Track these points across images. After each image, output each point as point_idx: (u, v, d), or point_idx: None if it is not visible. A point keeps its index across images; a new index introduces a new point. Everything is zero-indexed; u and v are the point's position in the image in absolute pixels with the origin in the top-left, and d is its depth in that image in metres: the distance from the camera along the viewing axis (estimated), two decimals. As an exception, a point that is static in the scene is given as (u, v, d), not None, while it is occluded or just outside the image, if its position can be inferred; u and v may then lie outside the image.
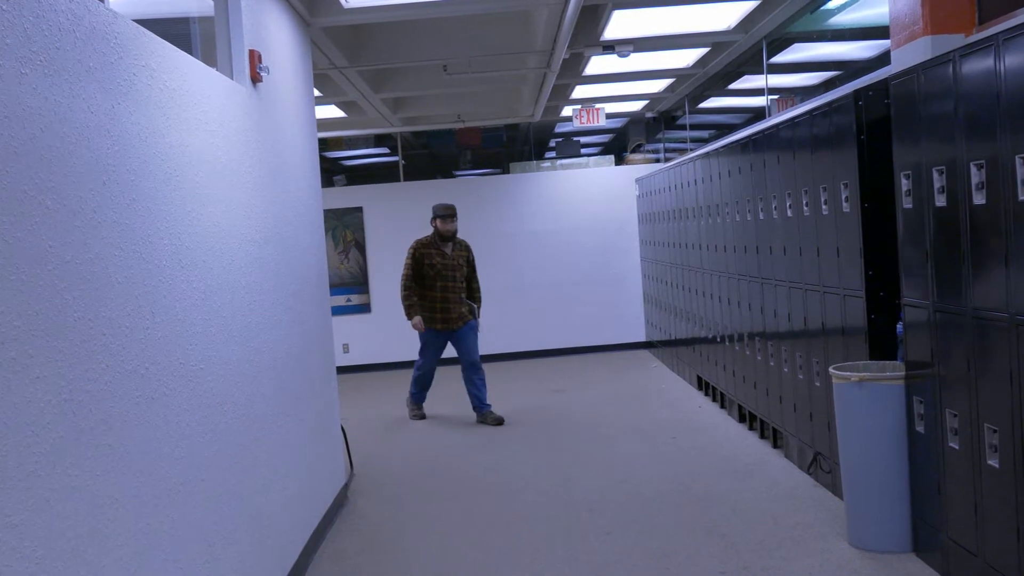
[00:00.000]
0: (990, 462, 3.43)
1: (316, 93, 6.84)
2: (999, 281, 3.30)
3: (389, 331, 11.20)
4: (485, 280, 12.59)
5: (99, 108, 2.53)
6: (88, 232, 2.41)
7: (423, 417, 8.34)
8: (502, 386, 9.55)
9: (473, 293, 8.16)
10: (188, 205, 3.20)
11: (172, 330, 2.97)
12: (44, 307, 2.16)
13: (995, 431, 3.39)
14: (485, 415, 7.90)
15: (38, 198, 2.16)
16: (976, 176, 3.41)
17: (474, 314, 8.07)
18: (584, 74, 8.86)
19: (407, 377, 10.75)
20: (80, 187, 2.38)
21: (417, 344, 8.27)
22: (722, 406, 7.67)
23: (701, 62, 8.77)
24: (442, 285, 7.93)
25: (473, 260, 8.19)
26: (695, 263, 8.32)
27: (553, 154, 13.28)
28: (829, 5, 7.00)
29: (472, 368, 8.03)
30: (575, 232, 11.58)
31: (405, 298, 7.98)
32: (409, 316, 7.98)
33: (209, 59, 3.92)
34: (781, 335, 5.90)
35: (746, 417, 6.93)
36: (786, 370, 5.82)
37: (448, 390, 9.57)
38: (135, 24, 2.85)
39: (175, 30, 3.79)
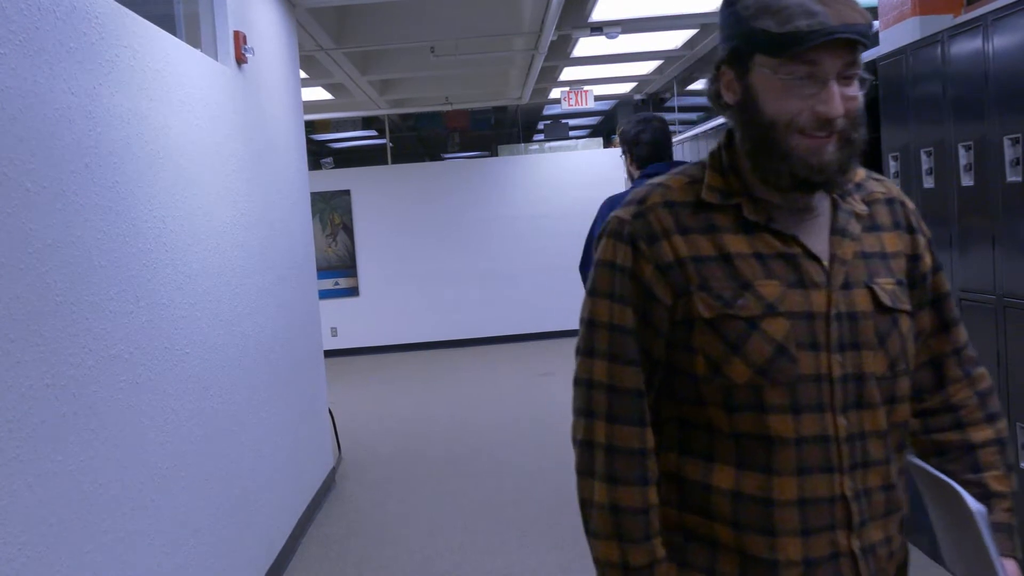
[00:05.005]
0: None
1: (302, 75, 6.79)
2: (986, 262, 3.30)
3: (377, 314, 11.18)
4: (472, 267, 12.61)
5: (80, 89, 2.49)
6: (70, 215, 2.38)
7: None
8: (489, 368, 9.56)
9: (971, 419, 1.46)
10: (172, 188, 3.17)
11: (156, 314, 2.95)
12: (25, 291, 2.13)
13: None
14: None
15: (18, 180, 2.13)
16: (964, 157, 3.41)
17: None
18: (572, 56, 8.82)
19: (396, 360, 10.77)
20: (61, 169, 2.35)
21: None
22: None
23: (689, 43, 8.74)
24: (812, 423, 1.31)
25: (935, 265, 1.47)
26: (683, 246, 8.31)
27: (541, 136, 13.26)
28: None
29: None
30: (564, 216, 11.55)
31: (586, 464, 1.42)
32: (603, 556, 1.36)
33: (193, 40, 3.87)
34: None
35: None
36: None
37: (437, 370, 9.58)
38: (117, 4, 2.81)
39: (158, 11, 3.74)
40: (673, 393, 1.40)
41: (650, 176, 3.33)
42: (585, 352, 1.42)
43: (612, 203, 3.61)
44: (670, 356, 1.37)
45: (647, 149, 3.43)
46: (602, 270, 1.40)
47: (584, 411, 1.41)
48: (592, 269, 1.41)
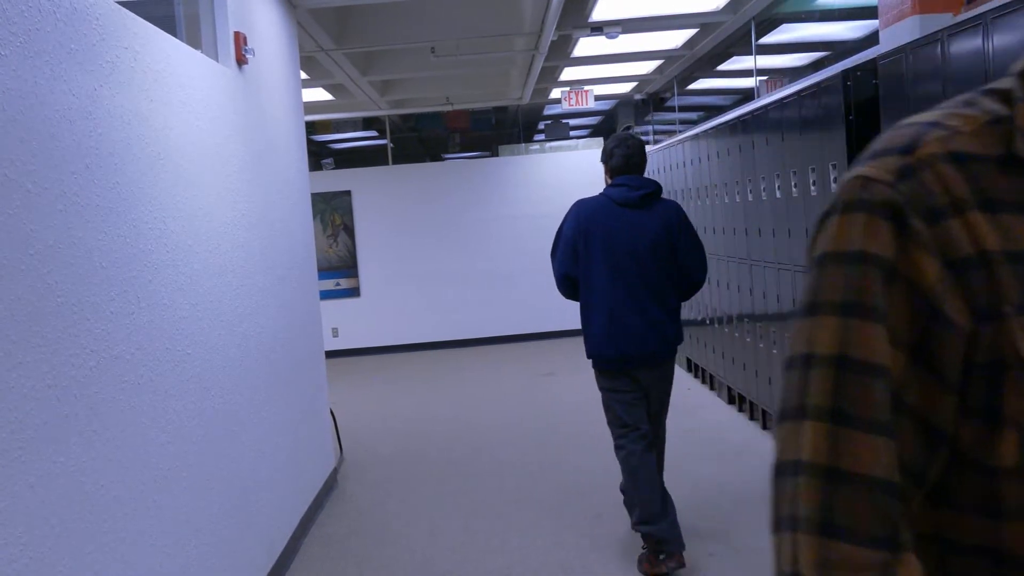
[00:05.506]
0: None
1: (303, 76, 6.80)
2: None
3: (378, 315, 11.19)
4: (473, 267, 12.61)
5: (81, 91, 2.49)
6: (71, 216, 2.39)
7: None
8: (490, 368, 9.56)
9: None
10: (173, 189, 3.17)
11: (158, 315, 2.95)
12: (26, 292, 2.13)
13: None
14: None
15: (19, 181, 2.13)
16: (964, 156, 3.41)
17: None
18: (572, 56, 8.82)
19: (397, 361, 10.78)
20: (62, 170, 2.36)
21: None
22: (711, 388, 7.68)
23: (689, 43, 8.75)
24: None
25: None
26: (684, 245, 8.31)
27: (542, 136, 13.26)
28: (818, -15, 6.98)
29: None
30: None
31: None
32: None
33: (194, 41, 3.88)
34: (770, 317, 5.90)
35: (735, 399, 6.95)
36: (775, 351, 5.83)
37: (438, 370, 9.58)
38: (118, 5, 2.81)
39: (159, 12, 3.75)
40: (940, 494, 0.80)
41: (619, 186, 3.94)
42: (793, 413, 0.80)
43: (580, 206, 4.07)
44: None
45: (618, 163, 4.03)
46: (831, 268, 0.79)
47: (788, 520, 0.78)
48: (809, 273, 0.82)
